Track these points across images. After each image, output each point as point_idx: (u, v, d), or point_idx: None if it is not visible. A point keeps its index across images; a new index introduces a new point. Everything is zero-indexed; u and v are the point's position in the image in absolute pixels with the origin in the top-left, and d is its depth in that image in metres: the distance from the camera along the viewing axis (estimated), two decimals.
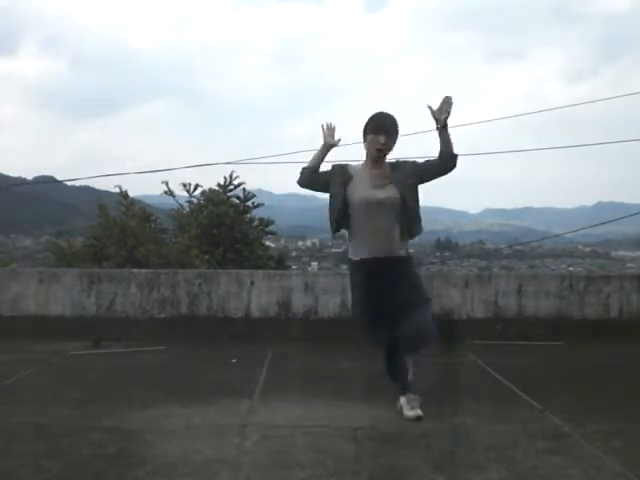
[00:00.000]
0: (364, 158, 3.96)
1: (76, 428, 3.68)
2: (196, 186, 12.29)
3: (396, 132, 3.86)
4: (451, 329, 6.80)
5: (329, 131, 3.91)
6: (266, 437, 3.55)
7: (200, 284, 6.94)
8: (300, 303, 6.86)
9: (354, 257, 3.96)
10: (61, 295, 6.96)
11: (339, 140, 3.91)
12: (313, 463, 3.14)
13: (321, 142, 3.90)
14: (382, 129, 3.78)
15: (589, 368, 5.56)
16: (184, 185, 12.24)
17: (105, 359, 5.94)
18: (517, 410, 4.16)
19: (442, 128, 3.71)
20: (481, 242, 62.25)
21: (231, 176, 12.41)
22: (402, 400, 3.94)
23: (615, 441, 3.48)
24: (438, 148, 3.77)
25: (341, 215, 3.87)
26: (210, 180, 12.79)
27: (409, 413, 3.84)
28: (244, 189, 12.67)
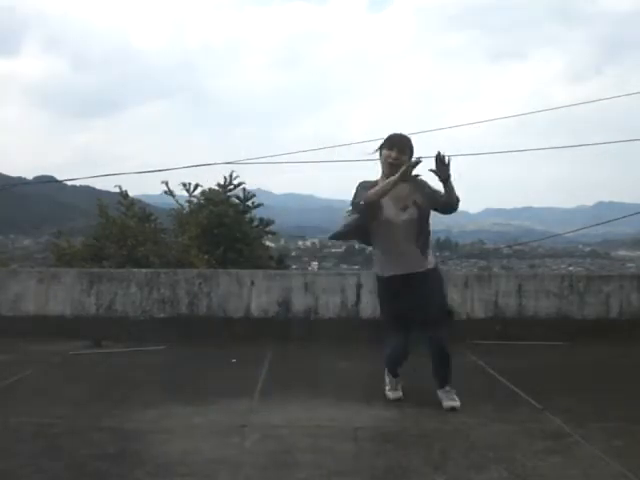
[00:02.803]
0: (380, 174, 4.18)
1: (76, 428, 3.68)
2: (196, 186, 12.27)
3: (409, 148, 4.12)
4: (451, 329, 6.80)
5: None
6: (266, 437, 3.55)
7: (200, 284, 6.94)
8: (300, 303, 6.86)
9: (383, 274, 4.22)
10: (61, 295, 6.96)
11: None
12: (313, 463, 3.14)
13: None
14: (394, 145, 4.08)
15: (589, 368, 5.56)
16: (184, 185, 12.21)
17: (105, 359, 5.94)
18: (517, 410, 4.16)
19: (445, 181, 4.00)
20: (481, 242, 62.18)
21: (231, 176, 12.39)
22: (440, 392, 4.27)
23: (615, 441, 3.48)
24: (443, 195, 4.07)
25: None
26: (210, 180, 12.79)
27: (448, 403, 4.17)
28: (244, 189, 12.65)
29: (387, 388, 4.44)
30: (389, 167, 4.07)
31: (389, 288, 4.20)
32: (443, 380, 4.25)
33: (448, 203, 4.11)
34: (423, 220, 4.16)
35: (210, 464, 3.12)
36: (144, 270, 7.36)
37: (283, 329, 6.72)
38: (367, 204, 4.00)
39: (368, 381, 4.93)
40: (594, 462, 3.18)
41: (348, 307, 6.88)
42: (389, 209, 4.09)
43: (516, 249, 49.98)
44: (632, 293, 7.02)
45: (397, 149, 4.07)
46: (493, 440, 3.51)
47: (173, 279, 6.99)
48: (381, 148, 4.15)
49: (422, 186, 4.17)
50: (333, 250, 56.74)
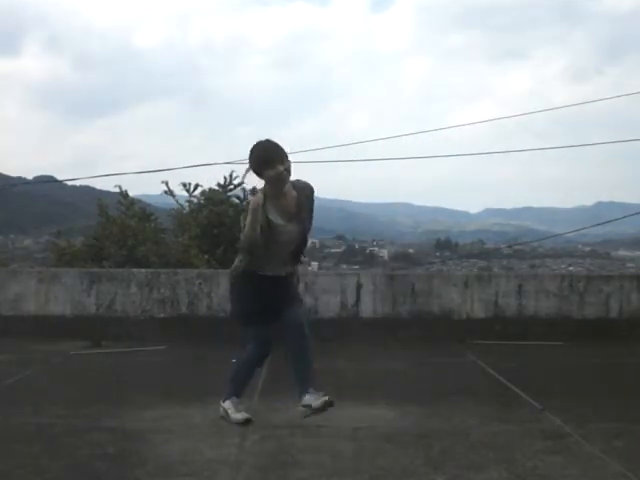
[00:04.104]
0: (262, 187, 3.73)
1: (76, 428, 3.68)
2: (196, 186, 12.27)
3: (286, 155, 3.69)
4: (451, 329, 6.81)
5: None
6: (266, 437, 3.55)
7: (200, 284, 6.94)
8: None
9: (259, 271, 3.88)
10: (61, 295, 6.96)
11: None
12: (313, 463, 3.14)
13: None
14: (280, 159, 3.60)
15: (589, 368, 5.56)
16: (184, 185, 12.21)
17: (105, 359, 5.94)
18: (517, 410, 4.16)
19: None
20: (481, 242, 62.13)
21: (231, 176, 12.39)
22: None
23: (615, 441, 3.48)
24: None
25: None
26: (210, 180, 12.81)
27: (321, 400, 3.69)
28: (244, 189, 12.65)
29: (230, 411, 3.80)
30: (283, 184, 3.63)
31: (259, 285, 3.86)
32: (308, 380, 3.89)
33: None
34: (304, 233, 3.91)
35: (210, 464, 3.12)
36: (144, 270, 7.36)
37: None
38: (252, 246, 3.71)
39: (368, 381, 4.93)
40: (594, 462, 3.18)
41: (348, 307, 6.88)
42: (277, 220, 3.73)
43: (516, 249, 49.97)
44: (632, 293, 7.02)
45: (281, 162, 3.59)
46: (493, 440, 3.51)
47: (173, 279, 6.99)
48: (266, 165, 3.58)
49: (309, 203, 3.88)
50: (333, 250, 56.76)
